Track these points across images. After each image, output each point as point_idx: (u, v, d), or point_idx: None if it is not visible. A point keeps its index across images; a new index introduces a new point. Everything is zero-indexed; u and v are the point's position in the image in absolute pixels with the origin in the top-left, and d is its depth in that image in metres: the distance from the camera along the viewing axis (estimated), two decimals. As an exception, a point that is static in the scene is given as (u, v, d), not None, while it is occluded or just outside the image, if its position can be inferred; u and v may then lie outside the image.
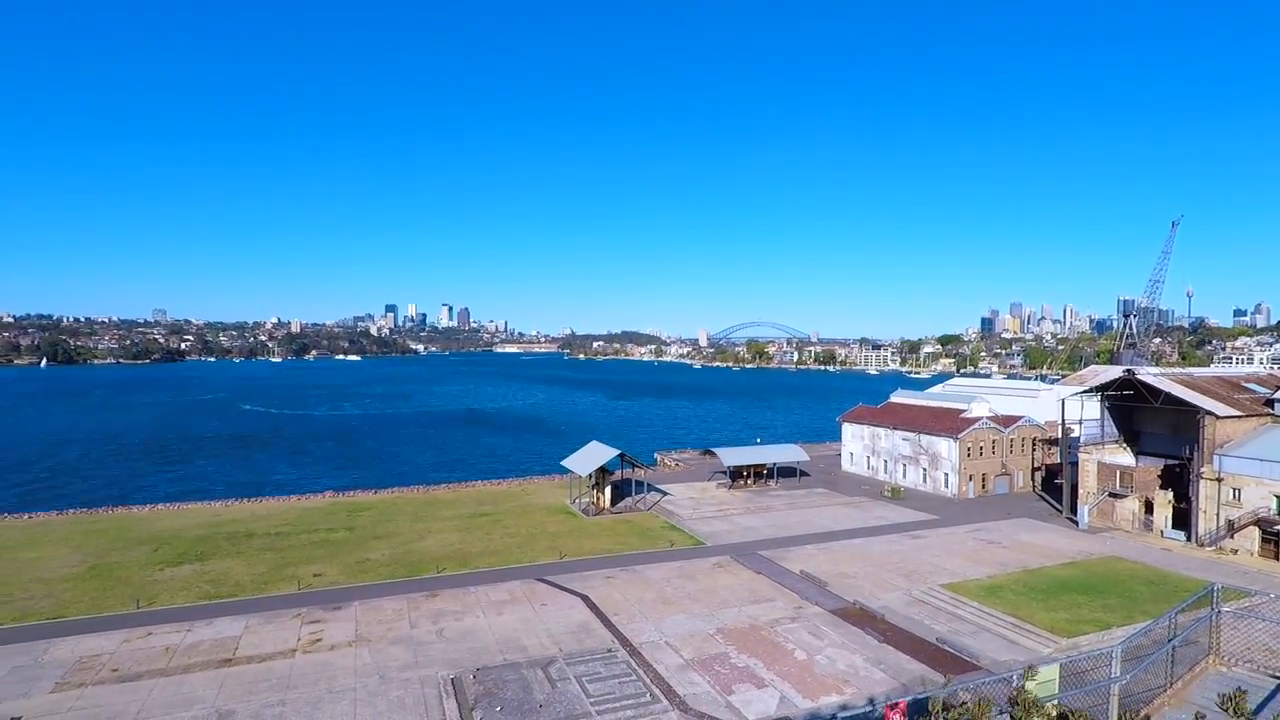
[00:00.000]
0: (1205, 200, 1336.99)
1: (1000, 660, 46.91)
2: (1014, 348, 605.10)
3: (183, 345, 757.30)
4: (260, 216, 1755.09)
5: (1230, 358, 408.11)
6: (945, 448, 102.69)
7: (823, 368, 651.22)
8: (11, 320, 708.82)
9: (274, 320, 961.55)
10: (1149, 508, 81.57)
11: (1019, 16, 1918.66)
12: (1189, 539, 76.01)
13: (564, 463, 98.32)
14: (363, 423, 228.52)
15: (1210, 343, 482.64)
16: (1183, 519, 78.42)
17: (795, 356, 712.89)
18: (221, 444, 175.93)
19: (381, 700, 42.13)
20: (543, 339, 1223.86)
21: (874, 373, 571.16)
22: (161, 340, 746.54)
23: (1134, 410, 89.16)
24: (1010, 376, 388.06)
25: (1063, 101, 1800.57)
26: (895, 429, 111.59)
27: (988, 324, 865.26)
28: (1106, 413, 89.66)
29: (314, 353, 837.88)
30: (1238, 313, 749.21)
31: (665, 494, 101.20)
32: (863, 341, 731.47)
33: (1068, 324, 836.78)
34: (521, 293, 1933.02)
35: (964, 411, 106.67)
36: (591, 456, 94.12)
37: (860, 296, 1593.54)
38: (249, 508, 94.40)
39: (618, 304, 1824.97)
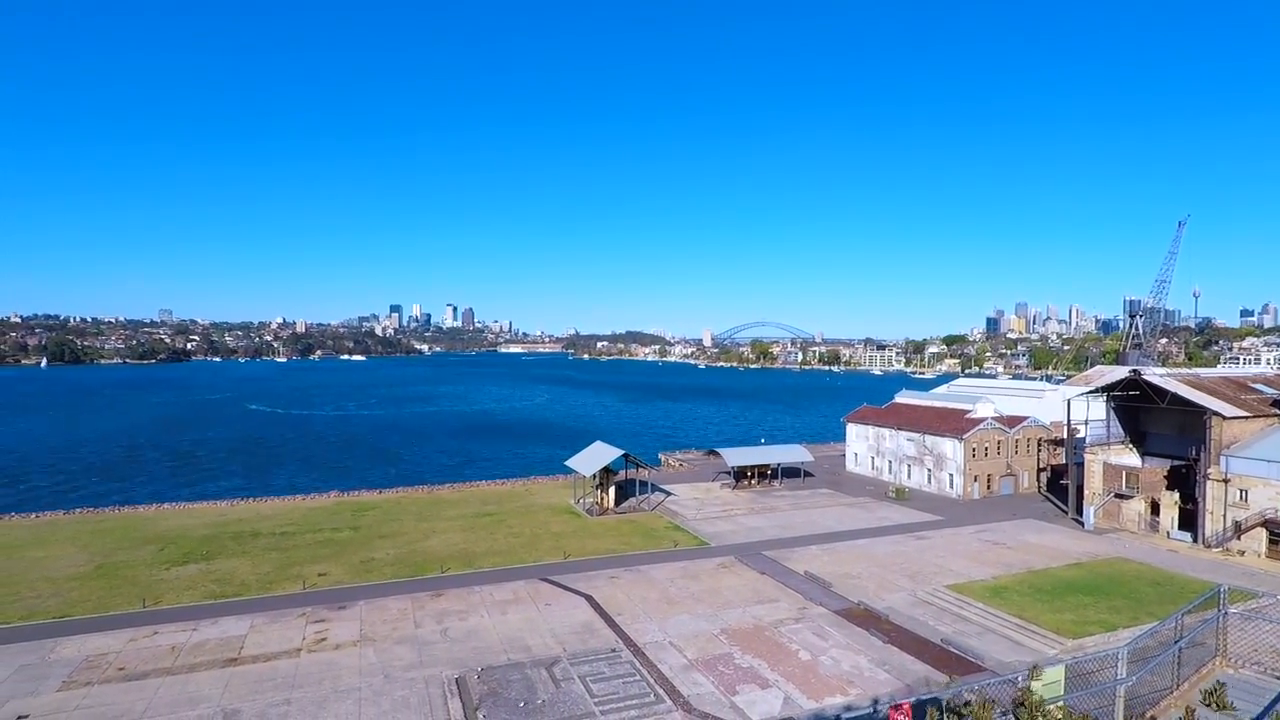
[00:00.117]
0: (1212, 200, 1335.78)
1: (1005, 661, 46.82)
2: (1019, 348, 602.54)
3: (188, 345, 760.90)
4: (266, 217, 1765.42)
5: (1237, 358, 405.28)
6: (950, 448, 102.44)
7: (827, 368, 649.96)
8: (19, 320, 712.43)
9: (279, 320, 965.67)
10: (1155, 509, 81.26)
11: (1024, 16, 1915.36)
12: (1195, 540, 75.71)
13: (568, 463, 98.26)
14: (367, 422, 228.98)
15: (1217, 343, 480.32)
16: (1189, 520, 78.13)
17: (800, 357, 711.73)
18: (227, 444, 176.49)
19: (386, 700, 42.22)
20: (547, 339, 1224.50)
21: (878, 373, 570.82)
22: (167, 340, 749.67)
23: (1140, 411, 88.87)
24: (1015, 377, 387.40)
25: (1069, 101, 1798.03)
26: (900, 429, 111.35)
27: (993, 324, 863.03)
28: (1112, 413, 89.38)
29: (319, 353, 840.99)
30: (1245, 313, 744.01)
31: (669, 494, 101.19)
32: (867, 342, 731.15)
33: (1073, 324, 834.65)
34: (526, 293, 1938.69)
35: (969, 412, 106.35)
36: (595, 457, 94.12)
37: (865, 297, 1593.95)
38: (254, 507, 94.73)
39: (622, 304, 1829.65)
